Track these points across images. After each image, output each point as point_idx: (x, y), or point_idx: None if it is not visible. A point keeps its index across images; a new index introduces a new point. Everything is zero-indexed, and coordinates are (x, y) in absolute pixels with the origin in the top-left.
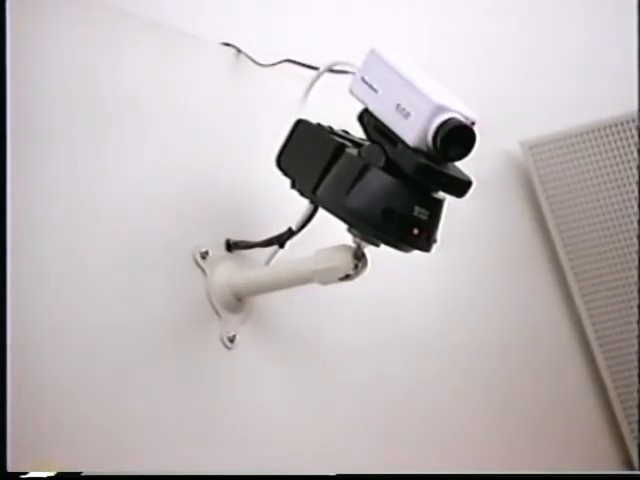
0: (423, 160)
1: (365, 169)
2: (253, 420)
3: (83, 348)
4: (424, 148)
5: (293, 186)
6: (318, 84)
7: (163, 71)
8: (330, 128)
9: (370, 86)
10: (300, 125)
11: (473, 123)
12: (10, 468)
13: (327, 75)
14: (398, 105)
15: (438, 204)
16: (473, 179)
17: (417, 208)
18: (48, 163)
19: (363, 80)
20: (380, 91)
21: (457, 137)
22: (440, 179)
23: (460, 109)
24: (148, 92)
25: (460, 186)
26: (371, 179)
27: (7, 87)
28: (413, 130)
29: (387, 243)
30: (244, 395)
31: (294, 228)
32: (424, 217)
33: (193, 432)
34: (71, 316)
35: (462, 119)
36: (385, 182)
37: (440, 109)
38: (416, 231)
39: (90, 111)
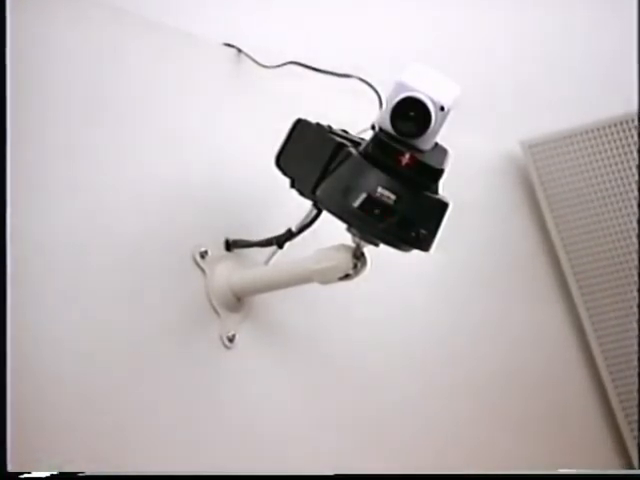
0: (382, 136)
1: (339, 154)
2: (252, 419)
3: (83, 348)
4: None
5: (292, 185)
6: (319, 85)
7: (164, 71)
8: (329, 127)
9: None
10: (299, 124)
11: (442, 108)
12: (10, 468)
13: (328, 77)
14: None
15: (421, 197)
16: (445, 168)
17: (380, 189)
18: (48, 163)
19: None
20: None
21: (411, 113)
22: (393, 155)
23: (430, 92)
24: (148, 92)
25: (420, 167)
26: (344, 165)
27: (7, 88)
28: (381, 111)
29: (364, 230)
30: (243, 394)
31: (294, 229)
32: (388, 200)
33: (192, 431)
34: (71, 316)
35: (424, 98)
36: (354, 165)
37: (401, 87)
38: (377, 211)
39: (91, 111)
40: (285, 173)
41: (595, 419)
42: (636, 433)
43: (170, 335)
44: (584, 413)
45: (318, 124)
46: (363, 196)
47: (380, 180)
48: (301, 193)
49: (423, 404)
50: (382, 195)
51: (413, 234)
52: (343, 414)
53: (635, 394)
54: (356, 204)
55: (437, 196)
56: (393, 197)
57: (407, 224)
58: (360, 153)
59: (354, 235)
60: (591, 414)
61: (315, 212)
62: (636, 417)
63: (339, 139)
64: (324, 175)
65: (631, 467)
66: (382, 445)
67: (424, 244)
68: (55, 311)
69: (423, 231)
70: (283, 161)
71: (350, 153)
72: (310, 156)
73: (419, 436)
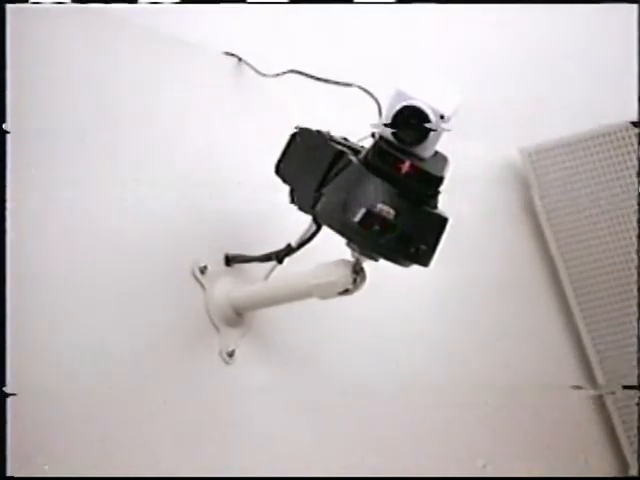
0: (382, 144)
1: (339, 162)
2: (251, 435)
3: (83, 363)
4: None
5: (292, 201)
6: (319, 94)
7: (164, 80)
8: (329, 135)
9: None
10: (300, 132)
11: (442, 116)
12: (10, 472)
13: (329, 86)
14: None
15: (420, 212)
16: (445, 177)
17: (380, 205)
18: (46, 174)
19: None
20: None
21: (412, 121)
22: (393, 163)
23: (430, 100)
24: (147, 102)
25: (419, 176)
26: (344, 177)
27: (7, 97)
28: (381, 119)
29: (364, 247)
30: (243, 409)
31: (294, 245)
32: (388, 215)
33: (191, 446)
34: (70, 331)
35: (424, 107)
36: (354, 175)
37: (401, 95)
38: (377, 227)
39: (89, 121)
40: (285, 181)
41: (591, 424)
42: (633, 439)
43: (169, 350)
44: (580, 419)
45: (318, 131)
46: (363, 211)
47: (380, 195)
48: (300, 208)
49: (425, 420)
50: (382, 210)
51: (413, 249)
52: (343, 430)
53: (631, 400)
54: (356, 219)
55: (436, 211)
56: (393, 212)
57: (407, 239)
58: (360, 161)
59: (353, 250)
60: (587, 418)
61: (315, 227)
62: (632, 422)
63: (339, 147)
64: (323, 184)
65: (626, 472)
66: (381, 461)
67: (424, 259)
68: (54, 326)
69: (423, 246)
70: (283, 169)
71: (350, 161)
72: (310, 163)
73: (417, 451)
